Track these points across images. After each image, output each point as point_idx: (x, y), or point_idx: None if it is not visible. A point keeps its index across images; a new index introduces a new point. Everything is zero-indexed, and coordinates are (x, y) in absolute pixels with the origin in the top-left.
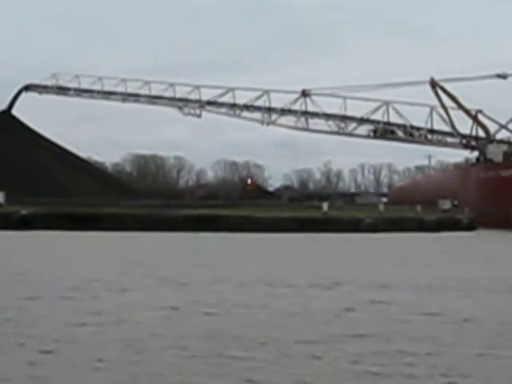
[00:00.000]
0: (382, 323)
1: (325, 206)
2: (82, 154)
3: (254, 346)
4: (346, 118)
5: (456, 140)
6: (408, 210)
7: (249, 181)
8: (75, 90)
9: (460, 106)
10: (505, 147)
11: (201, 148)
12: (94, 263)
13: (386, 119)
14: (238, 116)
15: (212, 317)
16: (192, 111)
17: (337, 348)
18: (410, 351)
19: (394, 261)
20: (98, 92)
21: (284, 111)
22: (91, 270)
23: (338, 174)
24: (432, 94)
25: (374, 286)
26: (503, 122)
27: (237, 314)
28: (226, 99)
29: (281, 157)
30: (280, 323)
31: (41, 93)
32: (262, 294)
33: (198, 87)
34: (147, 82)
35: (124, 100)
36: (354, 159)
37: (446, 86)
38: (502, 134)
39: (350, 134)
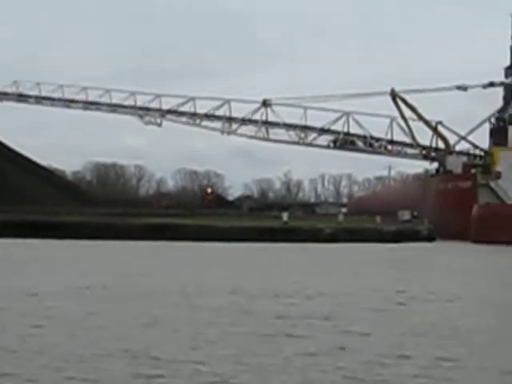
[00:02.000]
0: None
1: (285, 215)
2: (42, 162)
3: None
4: (306, 128)
5: (416, 151)
6: (367, 220)
7: (209, 190)
8: (36, 97)
9: (420, 117)
10: (464, 159)
11: (161, 157)
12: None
13: (346, 130)
14: (199, 125)
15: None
16: (153, 120)
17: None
18: None
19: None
20: (59, 100)
21: (244, 121)
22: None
23: (298, 184)
24: (392, 105)
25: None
26: (463, 134)
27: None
28: (186, 108)
29: (241, 166)
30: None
31: (1, 100)
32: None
33: (158, 96)
34: (108, 91)
35: (85, 108)
36: (314, 169)
37: (407, 97)
38: (462, 146)
39: (311, 144)
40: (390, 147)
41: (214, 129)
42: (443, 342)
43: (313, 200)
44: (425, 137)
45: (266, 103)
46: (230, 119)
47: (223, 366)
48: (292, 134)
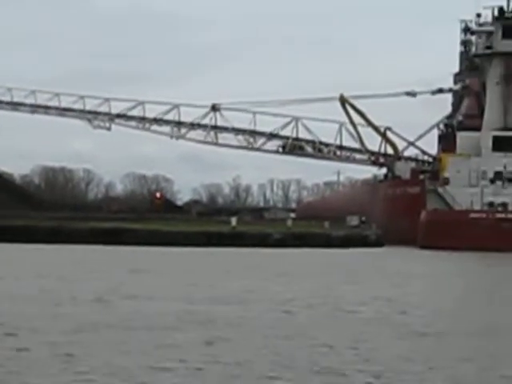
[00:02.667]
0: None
1: (233, 220)
2: None
3: None
4: (255, 133)
5: (364, 156)
6: (316, 225)
7: (158, 194)
8: None
9: (369, 123)
10: (412, 164)
11: (110, 161)
12: None
13: (295, 135)
14: (148, 129)
15: None
16: (102, 124)
17: None
18: None
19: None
20: (7, 103)
21: (193, 125)
22: None
23: (247, 189)
24: (341, 111)
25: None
26: (411, 140)
27: None
28: (135, 112)
29: (190, 171)
30: None
31: None
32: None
33: (107, 100)
34: (57, 94)
35: (33, 111)
36: (263, 174)
37: (356, 102)
38: (410, 152)
39: (260, 149)
40: (338, 152)
41: (163, 133)
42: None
43: (262, 205)
44: (373, 142)
45: (215, 108)
46: (179, 124)
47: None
48: (241, 139)
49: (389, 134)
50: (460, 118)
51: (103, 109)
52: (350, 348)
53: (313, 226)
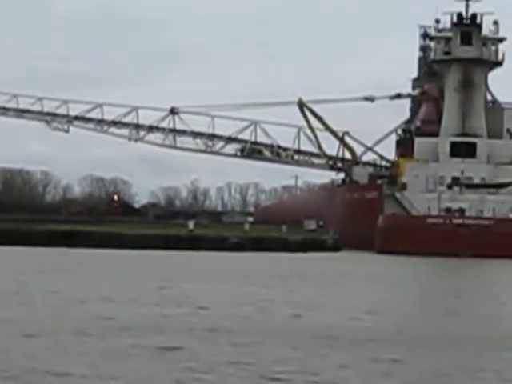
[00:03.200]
0: None
1: (191, 224)
2: None
3: None
4: (213, 137)
5: (322, 161)
6: (274, 229)
7: (115, 197)
8: None
9: (327, 128)
10: (370, 169)
11: (68, 163)
12: None
13: (253, 139)
14: (106, 132)
15: None
16: (60, 126)
17: None
18: None
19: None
20: None
21: (152, 128)
22: None
23: (205, 193)
24: (300, 115)
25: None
26: (369, 145)
27: None
28: (94, 115)
29: (148, 174)
30: None
31: None
32: None
33: (66, 102)
34: (15, 96)
35: None
36: (221, 178)
37: (314, 107)
38: (368, 157)
39: (218, 153)
40: (296, 157)
41: (121, 136)
42: None
43: (219, 208)
44: (332, 147)
45: (173, 111)
46: (138, 126)
47: None
48: (199, 142)
49: (347, 138)
50: (418, 123)
51: (61, 111)
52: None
53: (270, 230)
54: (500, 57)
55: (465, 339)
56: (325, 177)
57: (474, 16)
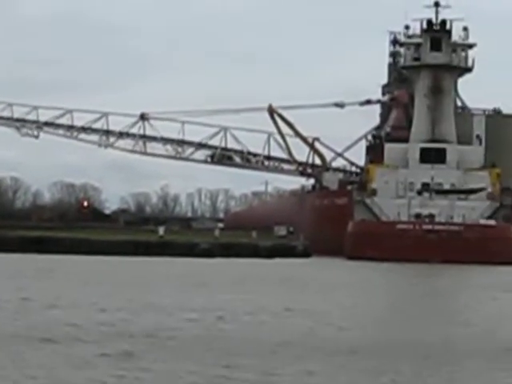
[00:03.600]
0: None
1: (161, 230)
2: None
3: None
4: (183, 143)
5: (292, 167)
6: (244, 235)
7: (85, 203)
8: None
9: (297, 134)
10: (340, 175)
11: (38, 169)
12: None
13: (223, 145)
14: (76, 138)
15: None
16: (30, 132)
17: None
18: None
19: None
20: None
21: (122, 134)
22: None
23: (175, 199)
24: (270, 121)
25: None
26: (339, 151)
27: None
28: (63, 121)
29: (118, 180)
30: None
31: None
32: None
33: (36, 108)
34: None
35: None
36: (191, 184)
37: (284, 113)
38: (338, 162)
39: (188, 159)
40: (266, 163)
41: (91, 142)
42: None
43: (190, 214)
44: (302, 153)
45: (143, 117)
46: (108, 132)
47: None
48: (169, 149)
49: (317, 144)
50: (388, 129)
51: (31, 117)
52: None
53: (240, 236)
54: (470, 63)
55: (432, 347)
56: (295, 183)
57: (443, 22)
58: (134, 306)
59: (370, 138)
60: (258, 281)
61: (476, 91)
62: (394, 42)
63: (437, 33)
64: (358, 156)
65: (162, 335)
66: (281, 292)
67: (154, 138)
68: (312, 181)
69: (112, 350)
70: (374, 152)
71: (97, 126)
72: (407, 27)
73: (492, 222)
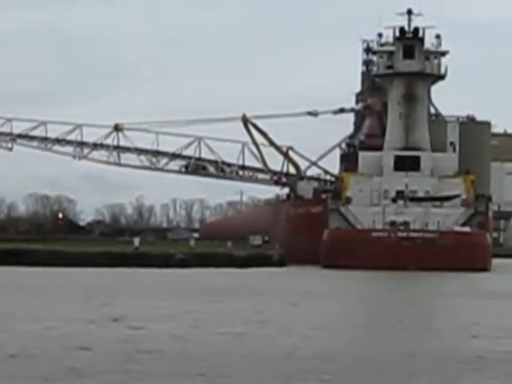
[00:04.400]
0: None
1: (136, 241)
2: None
3: None
4: (157, 153)
5: (267, 176)
6: (219, 245)
7: (60, 215)
8: None
9: (271, 143)
10: (315, 184)
11: (12, 181)
12: None
13: (197, 155)
14: (50, 150)
15: None
16: (3, 144)
17: None
18: None
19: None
20: None
21: (96, 145)
22: None
23: (150, 209)
24: (244, 131)
25: None
26: (314, 159)
27: None
28: (37, 132)
29: (93, 191)
30: None
31: None
32: None
33: (9, 120)
34: None
35: None
36: (166, 194)
37: (258, 122)
38: (313, 171)
39: (162, 169)
40: (241, 172)
41: (65, 153)
42: None
43: (165, 225)
44: (276, 162)
45: (117, 128)
46: (82, 144)
47: None
48: (144, 159)
49: (291, 153)
50: (362, 137)
51: (5, 129)
52: None
53: (216, 245)
54: (443, 70)
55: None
56: (270, 192)
57: (416, 30)
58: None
59: (343, 146)
60: (231, 291)
61: (449, 98)
62: (367, 50)
63: (409, 40)
64: (333, 164)
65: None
66: (251, 302)
67: (128, 149)
68: (287, 190)
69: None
70: (348, 160)
71: (71, 137)
72: (380, 35)
73: (467, 229)
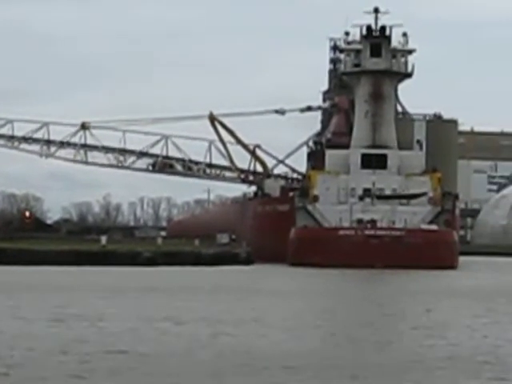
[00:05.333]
0: None
1: (103, 239)
2: None
3: None
4: (125, 152)
5: (234, 174)
6: (186, 243)
7: (27, 213)
8: None
9: (238, 141)
10: (282, 182)
11: None
12: None
13: (164, 153)
14: (17, 148)
15: None
16: None
17: None
18: None
19: None
20: None
21: (63, 144)
22: None
23: (118, 208)
24: (211, 129)
25: None
26: (281, 158)
27: None
28: (4, 131)
29: (60, 189)
30: None
31: None
32: None
33: None
34: None
35: None
36: (134, 192)
37: (225, 120)
38: (280, 169)
39: (129, 168)
40: (208, 171)
41: (32, 152)
42: None
43: (132, 223)
44: (243, 160)
45: (84, 126)
46: (49, 142)
47: None
48: (111, 158)
49: (258, 151)
50: (329, 135)
51: None
52: None
53: (183, 244)
54: (410, 68)
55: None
56: (237, 190)
57: (383, 28)
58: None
59: (311, 144)
60: (195, 289)
61: (416, 97)
62: (335, 48)
63: (376, 39)
64: (300, 163)
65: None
66: (214, 300)
67: (95, 147)
68: (254, 188)
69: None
70: (316, 158)
71: (38, 135)
72: (347, 33)
73: (434, 227)
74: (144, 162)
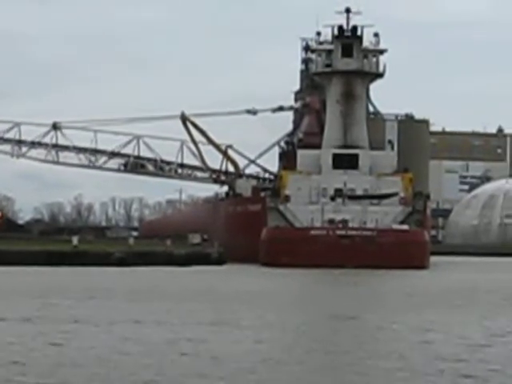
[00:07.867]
0: None
1: (74, 239)
2: None
3: None
4: (96, 152)
5: (206, 174)
6: (158, 243)
7: None
8: None
9: (210, 141)
10: (254, 182)
11: None
12: None
13: (136, 153)
14: None
15: None
16: None
17: None
18: None
19: None
20: None
21: (34, 144)
22: None
23: (89, 208)
24: (183, 129)
25: None
26: (252, 158)
27: None
28: None
29: (31, 190)
30: None
31: None
32: None
33: None
34: None
35: None
36: (105, 193)
37: (197, 120)
38: (252, 169)
39: (101, 168)
40: (180, 171)
41: (3, 152)
42: None
43: (104, 223)
44: (215, 160)
45: (56, 126)
46: (20, 142)
47: None
48: (82, 158)
49: (230, 151)
50: (300, 135)
51: None
52: None
53: (155, 244)
54: (381, 68)
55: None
56: (209, 190)
57: (354, 28)
58: None
59: (282, 144)
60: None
61: (388, 97)
62: (306, 48)
63: (348, 39)
64: (272, 163)
65: None
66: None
67: (66, 148)
68: (226, 188)
69: None
70: (287, 158)
71: (9, 135)
72: (318, 34)
73: (405, 227)
74: (115, 162)
